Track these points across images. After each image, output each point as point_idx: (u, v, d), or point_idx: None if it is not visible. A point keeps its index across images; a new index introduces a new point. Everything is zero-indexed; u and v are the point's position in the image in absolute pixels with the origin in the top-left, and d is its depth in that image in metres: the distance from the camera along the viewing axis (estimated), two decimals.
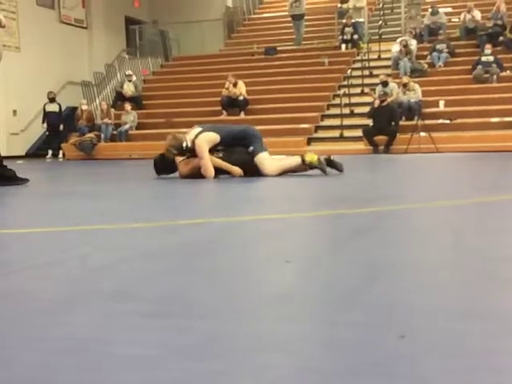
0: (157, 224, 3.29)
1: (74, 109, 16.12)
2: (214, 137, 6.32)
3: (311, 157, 6.24)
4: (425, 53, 15.51)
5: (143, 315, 1.56)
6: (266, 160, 6.35)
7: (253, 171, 6.28)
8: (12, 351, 1.33)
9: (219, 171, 6.28)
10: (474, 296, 1.71)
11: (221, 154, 6.36)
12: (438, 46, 15.26)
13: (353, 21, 17.04)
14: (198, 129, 6.46)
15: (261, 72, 16.49)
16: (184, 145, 6.27)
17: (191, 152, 6.30)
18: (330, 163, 6.29)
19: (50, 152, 15.79)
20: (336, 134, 13.61)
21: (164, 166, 6.53)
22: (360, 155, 11.88)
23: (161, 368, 1.20)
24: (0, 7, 15.57)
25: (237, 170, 6.27)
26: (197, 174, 6.29)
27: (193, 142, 6.29)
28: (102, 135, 14.97)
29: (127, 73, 16.75)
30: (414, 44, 15.34)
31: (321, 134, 14.03)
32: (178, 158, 6.46)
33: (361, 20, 17.51)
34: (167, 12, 20.18)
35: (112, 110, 15.65)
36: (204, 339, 1.36)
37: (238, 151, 6.36)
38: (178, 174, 6.48)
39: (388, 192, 4.93)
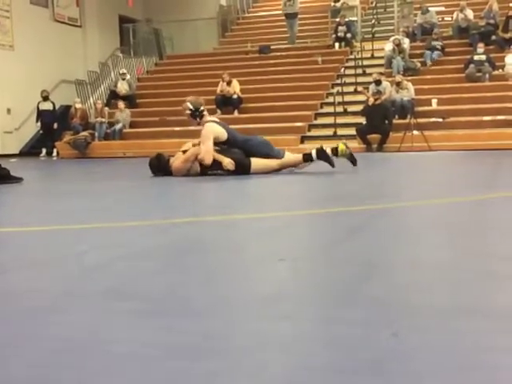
0: (152, 222, 3.29)
1: (68, 107, 16.08)
2: (222, 133, 6.40)
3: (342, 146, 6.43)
4: (418, 51, 15.56)
5: (139, 314, 1.57)
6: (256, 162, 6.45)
7: (242, 172, 6.33)
8: (10, 350, 1.33)
9: (214, 166, 6.33)
10: (468, 294, 1.72)
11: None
12: (434, 43, 15.32)
13: (346, 19, 17.06)
14: (213, 118, 6.73)
15: (255, 70, 16.49)
16: (201, 108, 6.54)
17: (201, 118, 6.52)
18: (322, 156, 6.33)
19: (44, 150, 15.77)
20: (329, 132, 13.61)
21: (159, 166, 6.57)
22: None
23: (158, 367, 1.21)
24: None
25: (228, 161, 6.29)
26: (190, 169, 6.35)
27: (204, 122, 6.46)
28: (96, 134, 14.96)
29: (121, 71, 16.72)
30: (406, 43, 15.38)
31: (314, 132, 14.04)
32: (172, 159, 6.51)
33: (354, 19, 17.52)
34: (161, 10, 20.16)
35: (106, 108, 15.63)
36: (201, 338, 1.37)
37: (234, 152, 6.41)
38: (173, 174, 6.50)
39: (382, 190, 4.94)
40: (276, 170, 6.44)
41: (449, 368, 1.17)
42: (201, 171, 6.39)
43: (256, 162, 6.38)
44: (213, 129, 6.38)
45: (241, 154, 6.39)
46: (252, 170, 6.34)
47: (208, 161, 6.27)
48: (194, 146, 6.50)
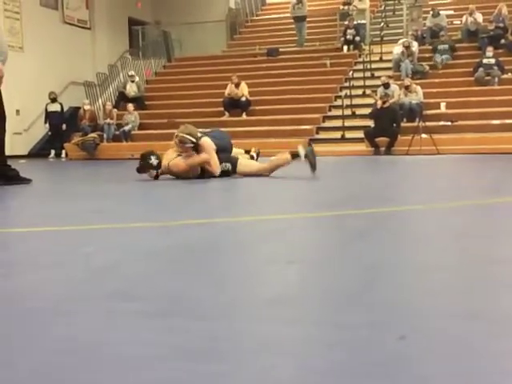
0: (158, 224, 3.29)
1: (77, 109, 16.14)
2: (213, 145, 6.43)
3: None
4: (426, 55, 15.55)
5: (145, 316, 1.56)
6: (245, 162, 6.56)
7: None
8: (15, 351, 1.33)
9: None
10: (474, 298, 1.72)
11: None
12: (440, 47, 15.31)
13: (355, 22, 17.08)
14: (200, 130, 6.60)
15: (263, 73, 16.52)
16: (199, 135, 6.38)
17: (197, 146, 6.36)
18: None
19: (52, 152, 15.85)
20: (337, 135, 13.63)
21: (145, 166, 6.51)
22: (361, 156, 11.88)
23: (163, 369, 1.21)
24: (4, 8, 15.63)
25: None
26: (187, 174, 6.39)
27: (200, 138, 6.38)
28: (105, 135, 15.01)
29: (130, 73, 16.78)
30: (415, 46, 15.37)
31: (322, 135, 14.04)
32: (169, 157, 6.48)
33: (363, 22, 17.53)
34: (170, 13, 20.22)
35: (114, 110, 15.69)
36: (206, 340, 1.37)
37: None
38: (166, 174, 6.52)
39: (389, 193, 4.94)
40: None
41: (456, 372, 1.17)
42: (200, 174, 6.42)
43: (243, 163, 6.52)
44: (210, 142, 6.40)
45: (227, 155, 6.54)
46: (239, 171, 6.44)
47: (218, 171, 6.34)
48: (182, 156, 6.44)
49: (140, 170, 6.56)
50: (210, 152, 6.35)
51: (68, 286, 1.92)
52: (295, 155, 6.19)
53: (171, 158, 6.47)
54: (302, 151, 6.10)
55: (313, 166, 6.03)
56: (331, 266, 2.17)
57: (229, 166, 6.44)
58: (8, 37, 14.77)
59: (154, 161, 6.49)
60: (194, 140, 6.32)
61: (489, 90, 13.85)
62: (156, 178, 6.51)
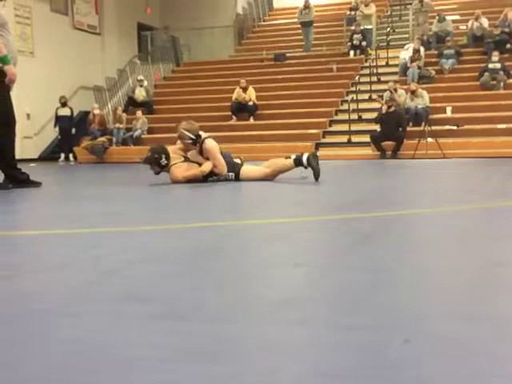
0: (166, 227, 3.30)
1: (87, 113, 16.28)
2: (220, 149, 6.50)
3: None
4: (432, 60, 15.61)
5: (152, 318, 1.57)
6: (247, 169, 6.55)
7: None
8: (21, 353, 1.33)
9: (214, 174, 6.46)
10: (479, 301, 1.72)
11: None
12: (446, 52, 15.38)
13: (361, 28, 17.16)
14: (207, 134, 6.63)
15: (270, 78, 16.60)
16: (201, 133, 6.42)
17: (199, 144, 6.41)
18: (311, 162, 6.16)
19: (62, 155, 16.00)
20: (344, 139, 13.70)
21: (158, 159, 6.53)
22: (367, 160, 11.87)
23: (169, 370, 1.21)
24: (15, 13, 15.80)
25: (207, 166, 6.38)
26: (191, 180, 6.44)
27: (203, 140, 6.42)
28: (114, 139, 15.14)
29: (139, 78, 16.90)
30: (421, 51, 15.46)
31: (329, 139, 14.12)
32: (173, 161, 6.54)
33: (369, 27, 17.61)
34: (178, 18, 20.34)
35: (124, 114, 15.82)
36: (212, 342, 1.36)
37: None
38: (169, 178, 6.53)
39: (395, 197, 4.92)
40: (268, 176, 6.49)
41: (460, 374, 1.17)
42: (203, 178, 6.47)
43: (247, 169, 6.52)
44: (215, 144, 6.45)
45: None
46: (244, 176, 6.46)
47: (225, 171, 6.40)
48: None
49: (146, 161, 6.59)
50: (214, 154, 6.37)
51: (75, 287, 1.92)
52: (298, 162, 6.17)
53: (173, 162, 6.54)
54: (305, 159, 6.11)
55: (316, 174, 6.01)
56: (337, 269, 2.17)
57: (231, 175, 6.47)
58: (19, 42, 14.95)
59: (163, 161, 6.57)
60: (192, 137, 6.39)
61: (494, 95, 13.90)
62: (157, 173, 6.57)
